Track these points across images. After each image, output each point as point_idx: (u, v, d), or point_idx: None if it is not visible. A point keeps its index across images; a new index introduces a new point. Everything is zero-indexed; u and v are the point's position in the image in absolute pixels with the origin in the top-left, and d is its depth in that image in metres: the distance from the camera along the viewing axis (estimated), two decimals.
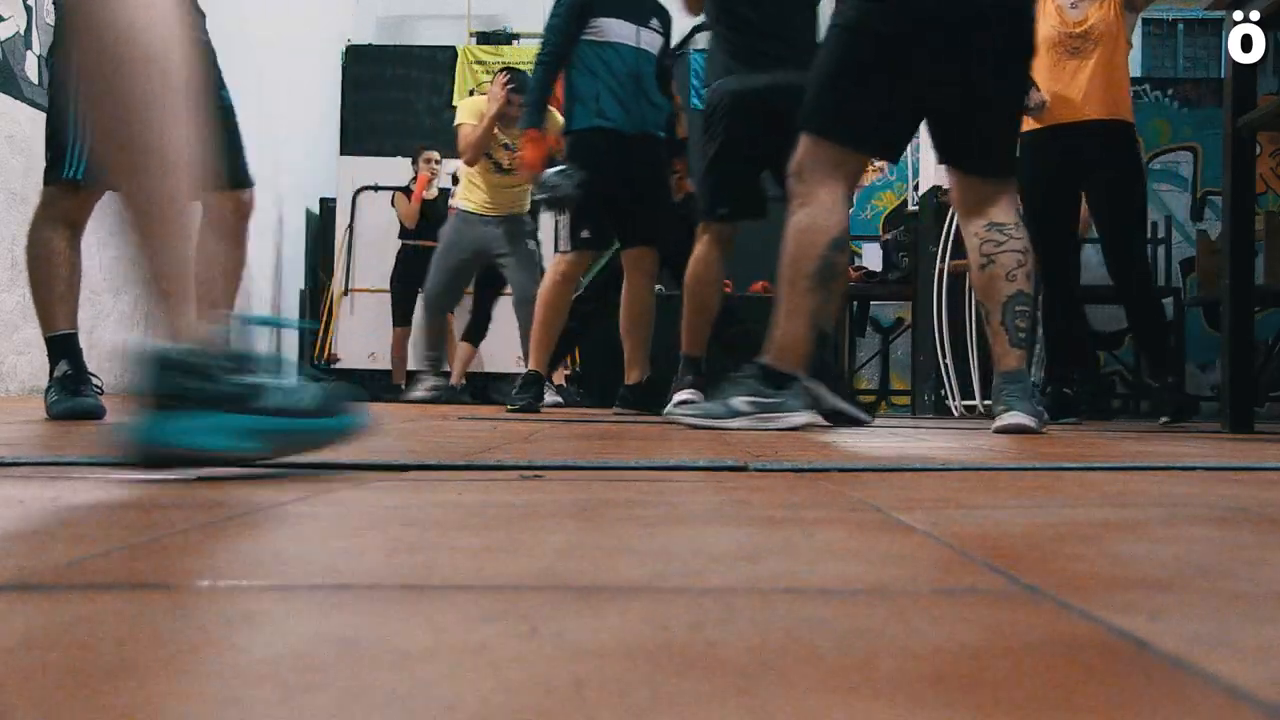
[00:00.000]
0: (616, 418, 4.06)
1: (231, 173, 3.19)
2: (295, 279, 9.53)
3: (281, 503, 0.98)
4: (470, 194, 6.33)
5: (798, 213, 2.82)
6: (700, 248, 3.97)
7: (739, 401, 2.77)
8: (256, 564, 0.67)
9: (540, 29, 6.14)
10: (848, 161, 2.85)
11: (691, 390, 3.90)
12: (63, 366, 2.94)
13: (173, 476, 1.20)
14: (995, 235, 2.89)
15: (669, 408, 3.14)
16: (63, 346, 2.98)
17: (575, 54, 4.41)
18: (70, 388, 2.90)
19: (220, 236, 3.18)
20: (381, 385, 7.87)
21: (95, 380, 2.98)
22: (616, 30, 4.42)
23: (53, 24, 5.50)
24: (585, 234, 4.44)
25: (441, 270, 6.42)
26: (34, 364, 5.41)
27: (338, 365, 8.42)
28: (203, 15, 3.19)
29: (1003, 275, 2.87)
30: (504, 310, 7.15)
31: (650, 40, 4.51)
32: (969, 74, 2.82)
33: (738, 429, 2.69)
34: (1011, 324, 2.87)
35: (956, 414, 5.67)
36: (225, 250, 3.19)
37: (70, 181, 2.97)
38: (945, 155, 3.07)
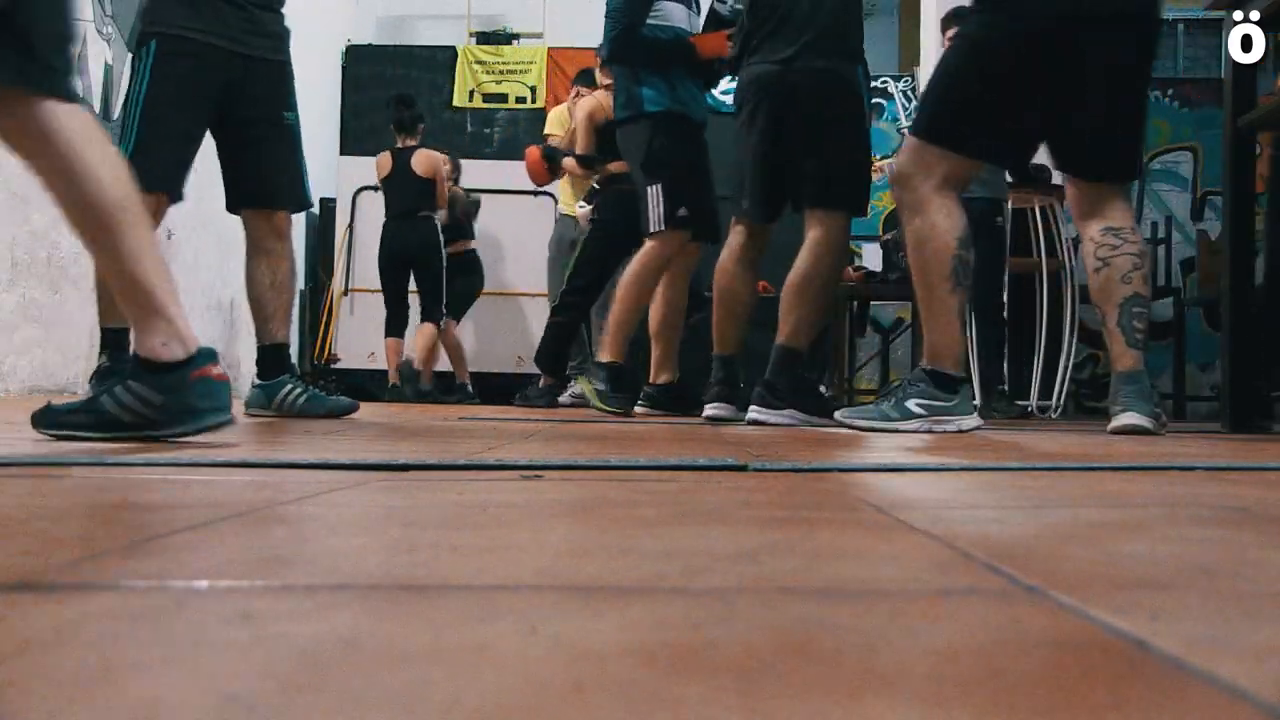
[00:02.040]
0: (643, 419, 4.03)
1: (267, 194, 3.28)
2: (295, 279, 9.53)
3: (281, 503, 0.98)
4: (563, 196, 6.50)
5: (914, 221, 2.84)
6: (730, 243, 3.87)
7: (913, 404, 2.79)
8: (256, 564, 0.67)
9: (540, 29, 6.12)
10: (958, 167, 2.86)
11: (720, 404, 3.78)
12: (102, 360, 3.22)
13: (173, 476, 1.20)
14: (1111, 239, 2.92)
15: (837, 414, 3.08)
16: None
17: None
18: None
19: (261, 252, 3.30)
20: (380, 384, 7.87)
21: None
22: (676, 14, 4.29)
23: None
24: (683, 212, 4.22)
25: (555, 277, 6.51)
26: (34, 364, 5.41)
27: (338, 365, 8.42)
28: (284, 36, 3.27)
29: (1118, 278, 2.90)
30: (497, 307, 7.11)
31: (696, 25, 4.39)
32: (1089, 84, 2.84)
33: (912, 430, 2.72)
34: (1129, 325, 2.89)
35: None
36: (268, 264, 3.32)
37: None
38: (1064, 162, 3.09)
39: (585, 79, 6.55)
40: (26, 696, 0.37)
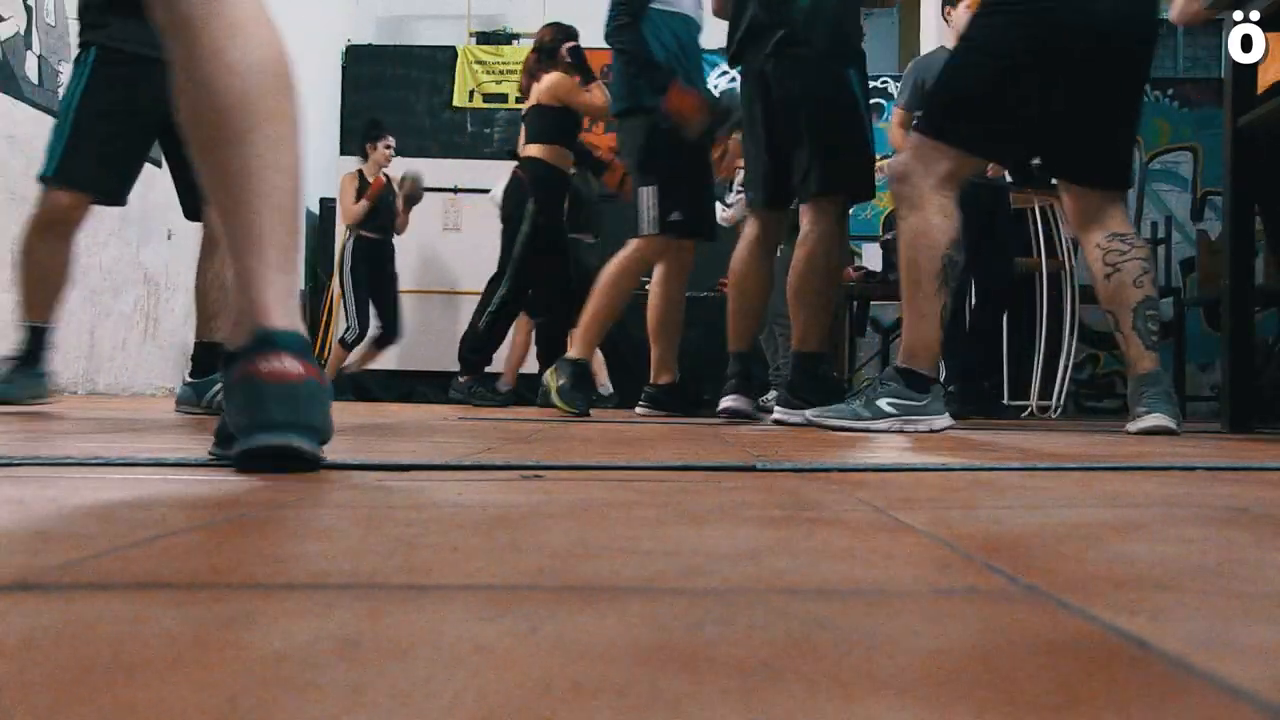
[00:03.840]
0: (643, 419, 4.01)
1: None
2: None
3: (281, 503, 0.98)
4: None
5: (910, 217, 2.86)
6: (745, 235, 3.85)
7: (885, 403, 2.81)
8: (257, 564, 0.67)
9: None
10: (961, 166, 2.89)
11: (736, 396, 3.78)
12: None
13: (172, 476, 1.20)
14: (1118, 245, 2.99)
15: (806, 413, 3.06)
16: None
17: (645, 23, 4.12)
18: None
19: (218, 253, 3.39)
20: (380, 384, 7.87)
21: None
22: (685, 0, 4.17)
23: (47, 26, 5.51)
24: (676, 216, 4.12)
25: None
26: None
27: None
28: None
29: (1130, 282, 2.96)
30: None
31: (701, 13, 4.25)
32: (1095, 94, 2.91)
33: (883, 430, 2.74)
34: (1144, 328, 2.96)
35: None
36: (222, 266, 3.37)
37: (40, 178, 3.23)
38: (1059, 168, 3.16)
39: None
40: (26, 696, 0.37)
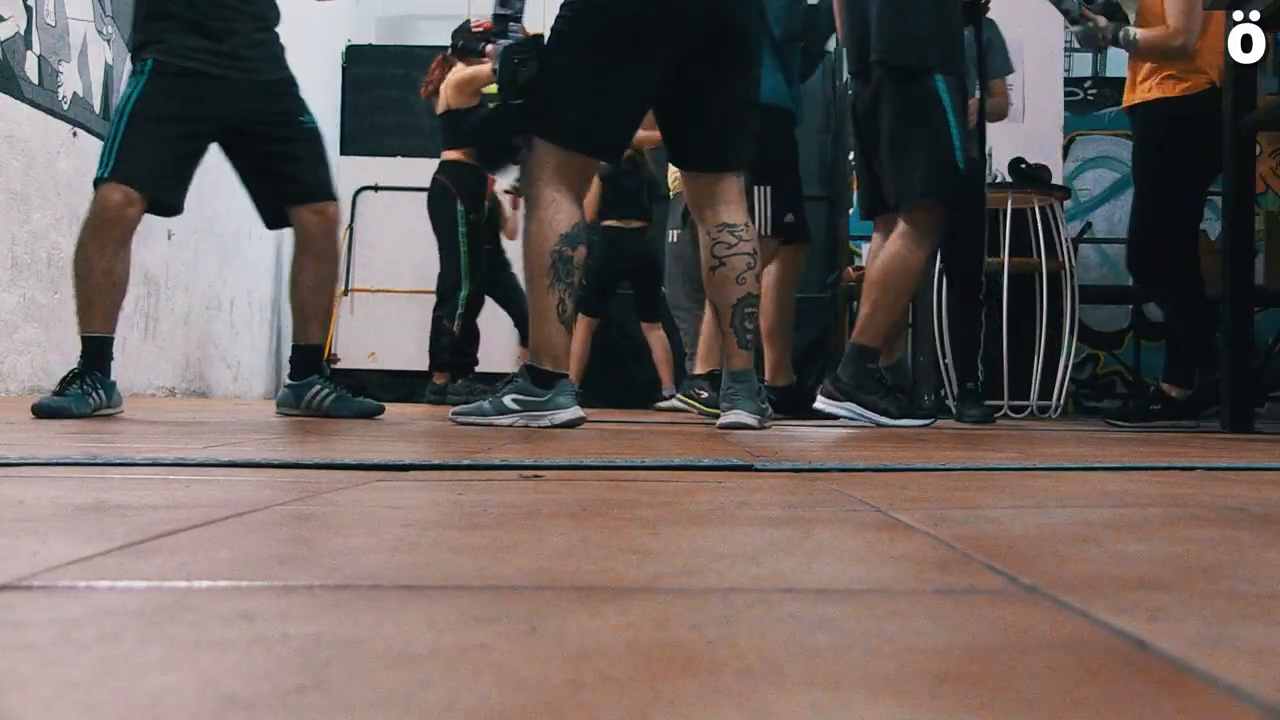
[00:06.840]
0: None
1: (313, 187, 3.40)
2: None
3: (282, 503, 0.98)
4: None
5: (528, 217, 2.86)
6: (873, 242, 3.82)
7: (508, 400, 2.81)
8: (257, 564, 0.67)
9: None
10: (573, 162, 2.84)
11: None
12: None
13: (173, 476, 1.20)
14: (727, 236, 2.94)
15: (451, 411, 3.09)
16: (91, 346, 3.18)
17: None
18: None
19: (311, 253, 3.41)
20: (382, 385, 7.87)
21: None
22: None
23: (53, 25, 5.52)
24: (790, 219, 4.07)
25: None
26: (34, 364, 5.41)
27: (338, 365, 8.42)
28: (279, 54, 3.43)
29: (733, 278, 2.93)
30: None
31: None
32: (691, 76, 2.87)
33: (507, 425, 2.74)
34: (741, 326, 2.95)
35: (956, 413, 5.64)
36: (315, 265, 3.43)
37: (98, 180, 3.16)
38: (672, 153, 3.14)
39: None
40: (26, 696, 0.37)
